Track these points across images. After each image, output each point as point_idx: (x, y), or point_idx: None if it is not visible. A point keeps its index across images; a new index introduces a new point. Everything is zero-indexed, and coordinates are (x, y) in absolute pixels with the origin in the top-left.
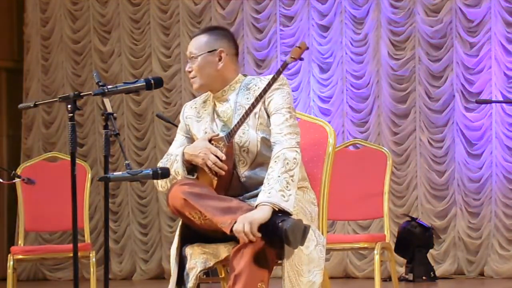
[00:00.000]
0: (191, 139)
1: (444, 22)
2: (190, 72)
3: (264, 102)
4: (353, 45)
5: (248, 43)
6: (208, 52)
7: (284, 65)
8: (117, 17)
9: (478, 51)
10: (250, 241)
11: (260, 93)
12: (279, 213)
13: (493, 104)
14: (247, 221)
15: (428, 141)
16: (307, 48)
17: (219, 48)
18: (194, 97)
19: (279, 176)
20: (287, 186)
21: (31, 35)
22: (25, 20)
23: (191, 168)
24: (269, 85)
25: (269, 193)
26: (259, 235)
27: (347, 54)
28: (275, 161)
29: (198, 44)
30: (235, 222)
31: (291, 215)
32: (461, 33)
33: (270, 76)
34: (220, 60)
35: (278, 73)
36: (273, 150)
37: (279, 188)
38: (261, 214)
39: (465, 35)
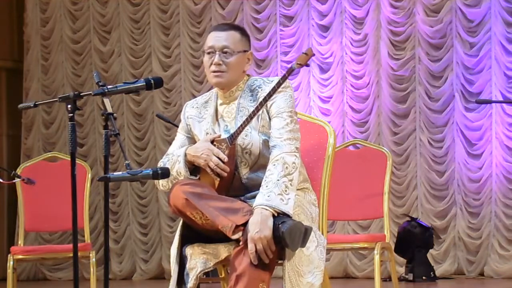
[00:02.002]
0: (192, 139)
1: (444, 22)
2: (219, 65)
3: (266, 104)
4: (353, 45)
5: None
6: (244, 51)
7: (290, 71)
8: (117, 17)
9: (478, 51)
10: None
11: (265, 97)
12: (279, 215)
13: (493, 104)
14: (259, 242)
15: (428, 141)
16: (313, 55)
17: (250, 50)
18: (194, 97)
19: (278, 180)
20: (285, 190)
21: (31, 35)
22: (25, 20)
23: (193, 168)
24: (273, 90)
25: (268, 196)
26: (274, 248)
27: (347, 54)
28: (274, 165)
29: (234, 40)
30: (236, 226)
31: (291, 217)
32: (461, 33)
33: (273, 78)
34: (247, 61)
35: (284, 78)
36: (271, 153)
37: (278, 192)
38: (268, 229)
39: (465, 35)
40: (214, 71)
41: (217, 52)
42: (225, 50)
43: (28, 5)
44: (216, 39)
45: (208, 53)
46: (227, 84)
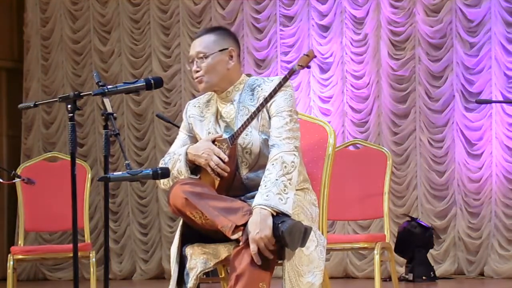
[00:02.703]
0: (193, 138)
1: (444, 22)
2: (197, 71)
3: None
4: (353, 45)
5: (248, 43)
6: (219, 50)
7: (291, 73)
8: (117, 17)
9: (478, 51)
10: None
11: (266, 98)
12: (278, 214)
13: (493, 104)
14: (261, 242)
15: (428, 141)
16: (315, 56)
17: (230, 46)
18: (194, 97)
19: (276, 179)
20: (284, 189)
21: (31, 35)
22: (25, 20)
23: (194, 168)
24: (275, 90)
25: (266, 195)
26: (274, 241)
27: (347, 54)
28: (273, 164)
29: (207, 43)
30: (236, 226)
31: (290, 217)
32: (461, 33)
33: (274, 78)
34: (230, 59)
35: (285, 79)
36: (270, 152)
37: (276, 191)
38: (268, 228)
39: (465, 35)
40: (196, 78)
41: (195, 60)
42: (199, 56)
43: (28, 5)
44: (192, 48)
45: (191, 63)
46: (211, 87)
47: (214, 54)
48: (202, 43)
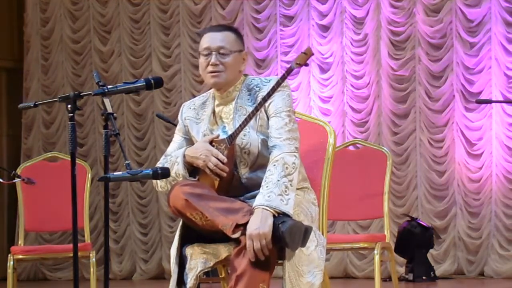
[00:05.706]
0: (189, 140)
1: (444, 22)
2: (216, 65)
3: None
4: (353, 45)
5: (248, 43)
6: (239, 51)
7: (289, 71)
8: (117, 17)
9: (478, 51)
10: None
11: (264, 97)
12: (279, 215)
13: (493, 104)
14: (257, 238)
15: (428, 141)
16: (313, 54)
17: (244, 50)
18: (194, 96)
19: (278, 180)
20: (285, 191)
21: (31, 35)
22: (25, 20)
23: (192, 169)
24: (273, 89)
25: (268, 196)
26: (271, 246)
27: (347, 54)
28: (274, 165)
29: (229, 40)
30: (236, 224)
31: (291, 217)
32: (461, 33)
33: (271, 78)
34: (243, 62)
35: (283, 78)
36: (271, 153)
37: (278, 192)
38: (267, 226)
39: (465, 35)
40: (211, 72)
41: (214, 53)
42: (221, 50)
43: (28, 5)
44: (212, 40)
45: (205, 54)
46: (224, 84)
47: (235, 53)
48: (225, 39)
